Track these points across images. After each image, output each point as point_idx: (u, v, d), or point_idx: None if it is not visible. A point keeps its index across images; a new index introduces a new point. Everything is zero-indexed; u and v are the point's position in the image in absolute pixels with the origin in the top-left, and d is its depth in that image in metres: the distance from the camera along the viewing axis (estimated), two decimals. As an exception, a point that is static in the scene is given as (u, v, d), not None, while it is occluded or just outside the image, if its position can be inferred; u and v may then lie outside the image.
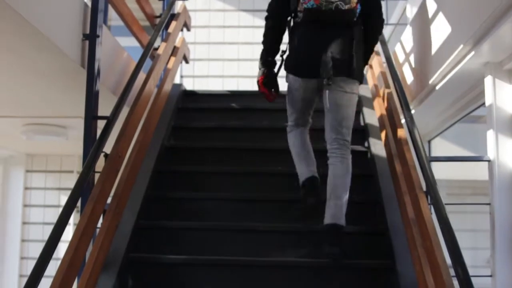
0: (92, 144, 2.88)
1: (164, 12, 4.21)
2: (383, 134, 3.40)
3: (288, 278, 2.68)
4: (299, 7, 2.68)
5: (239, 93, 4.64)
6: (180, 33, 4.47)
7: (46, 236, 2.04)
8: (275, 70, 2.87)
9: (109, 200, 2.62)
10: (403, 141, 2.87)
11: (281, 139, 3.44)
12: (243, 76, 6.05)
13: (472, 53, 2.87)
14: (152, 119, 3.36)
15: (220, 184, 3.34)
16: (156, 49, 3.83)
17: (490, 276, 2.92)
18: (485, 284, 2.97)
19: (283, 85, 2.88)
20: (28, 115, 4.63)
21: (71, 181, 6.11)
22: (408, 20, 4.76)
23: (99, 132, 2.77)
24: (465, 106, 3.63)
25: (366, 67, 4.20)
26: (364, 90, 4.12)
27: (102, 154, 2.60)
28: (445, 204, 2.26)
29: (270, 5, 2.87)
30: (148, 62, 3.36)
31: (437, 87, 3.44)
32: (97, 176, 2.61)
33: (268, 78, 2.84)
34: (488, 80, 3.02)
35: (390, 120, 3.26)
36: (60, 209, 2.20)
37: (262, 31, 2.88)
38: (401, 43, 4.31)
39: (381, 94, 3.67)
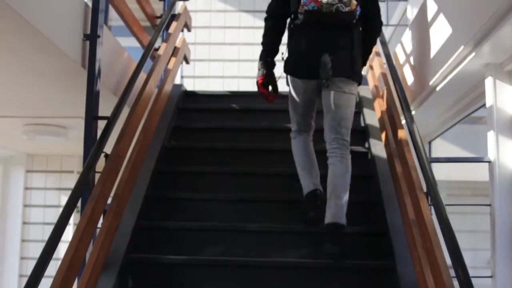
0: (92, 144, 2.88)
1: (164, 12, 4.21)
2: (383, 135, 3.40)
3: (288, 278, 2.68)
4: (300, 9, 2.68)
5: (240, 93, 4.64)
6: (181, 33, 4.48)
7: (46, 236, 2.04)
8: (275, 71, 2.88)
9: (109, 201, 2.62)
10: (404, 142, 2.87)
11: (281, 140, 3.45)
12: (244, 77, 6.05)
13: (473, 54, 2.87)
14: (153, 120, 3.36)
15: (220, 184, 3.34)
16: (157, 49, 3.83)
17: (490, 277, 2.92)
18: (485, 285, 2.97)
19: (282, 86, 2.89)
20: (28, 115, 4.64)
21: (71, 181, 6.11)
22: (408, 21, 4.76)
23: (99, 132, 2.77)
24: (466, 107, 3.63)
25: (366, 68, 4.21)
26: (365, 91, 4.12)
27: (102, 154, 2.60)
28: (446, 205, 2.26)
29: (270, 5, 2.88)
30: (148, 63, 3.36)
31: (438, 88, 3.44)
32: (97, 176, 2.61)
33: (267, 79, 2.84)
34: (488, 81, 3.02)
35: (390, 121, 3.26)
36: (60, 209, 2.20)
37: (262, 32, 2.88)
38: (401, 44, 4.31)
39: (382, 95, 3.66)
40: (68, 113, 4.43)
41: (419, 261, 2.33)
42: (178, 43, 4.25)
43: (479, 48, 2.77)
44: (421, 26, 3.73)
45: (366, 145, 3.62)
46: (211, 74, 6.14)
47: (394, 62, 3.45)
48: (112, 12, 3.91)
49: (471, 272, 1.93)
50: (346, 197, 2.63)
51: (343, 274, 2.68)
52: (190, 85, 5.76)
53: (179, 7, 4.53)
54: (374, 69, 4.11)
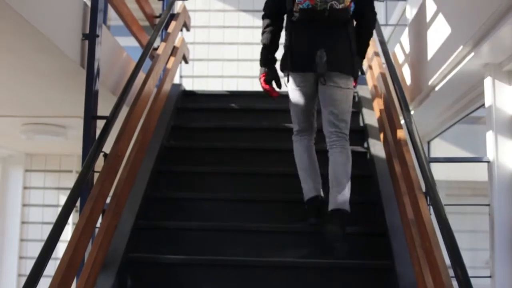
0: (91, 144, 2.88)
1: (163, 12, 4.21)
2: (382, 135, 3.40)
3: (287, 278, 2.68)
4: (295, 7, 2.72)
5: (239, 93, 4.64)
6: (180, 33, 4.47)
7: (45, 236, 2.04)
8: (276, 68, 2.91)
9: (108, 200, 2.62)
10: (403, 142, 2.87)
11: (280, 139, 3.45)
12: (243, 77, 6.05)
13: (472, 54, 2.87)
14: (152, 119, 3.36)
15: (220, 184, 3.34)
16: (156, 49, 3.84)
17: (489, 277, 2.92)
18: (484, 285, 2.97)
19: (282, 86, 2.90)
20: (27, 115, 4.64)
21: (70, 181, 6.11)
22: (407, 21, 4.76)
23: (98, 132, 2.77)
24: (465, 107, 3.63)
25: (366, 68, 4.21)
26: (364, 91, 4.12)
27: (101, 154, 2.60)
28: (445, 205, 2.26)
29: (266, 3, 2.91)
30: (147, 62, 3.36)
31: (437, 88, 3.44)
32: (96, 176, 2.61)
33: (270, 75, 2.90)
34: (487, 81, 3.02)
35: (389, 121, 3.26)
36: (59, 209, 2.20)
37: (261, 30, 2.90)
38: (400, 44, 4.31)
39: (381, 94, 3.66)
40: (67, 113, 4.43)
41: (418, 261, 2.33)
42: (177, 43, 4.25)
43: (478, 48, 2.77)
44: (420, 26, 3.73)
45: (365, 145, 3.62)
46: (210, 74, 6.14)
47: (393, 62, 3.45)
48: (111, 12, 3.91)
49: (470, 272, 1.93)
50: (348, 184, 2.68)
51: (343, 274, 2.69)
52: (189, 85, 5.77)
53: (178, 6, 4.54)
54: (373, 69, 4.11)
